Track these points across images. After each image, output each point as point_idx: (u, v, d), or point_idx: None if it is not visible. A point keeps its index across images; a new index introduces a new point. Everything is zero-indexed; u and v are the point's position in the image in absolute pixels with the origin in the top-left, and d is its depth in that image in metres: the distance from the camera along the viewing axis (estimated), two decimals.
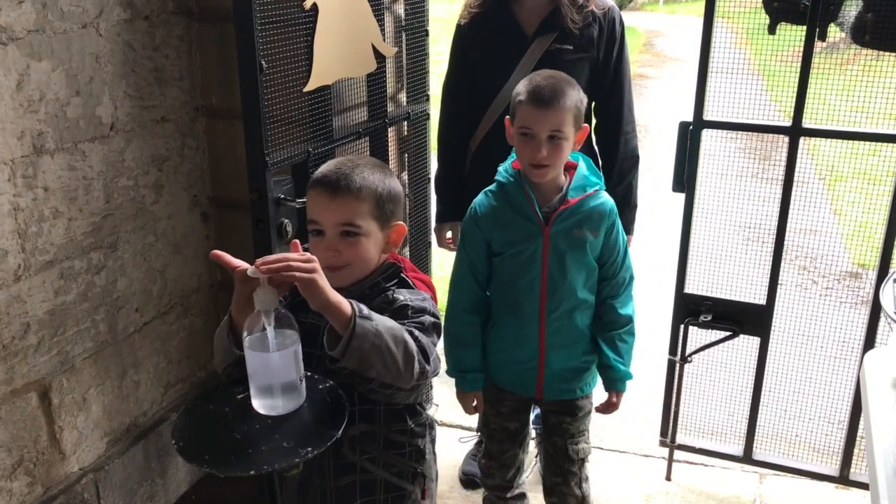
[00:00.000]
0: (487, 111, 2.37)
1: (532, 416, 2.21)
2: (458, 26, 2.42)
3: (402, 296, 1.53)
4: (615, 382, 2.05)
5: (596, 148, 2.44)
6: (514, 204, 1.93)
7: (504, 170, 1.97)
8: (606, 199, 1.97)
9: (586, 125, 1.93)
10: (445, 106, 2.53)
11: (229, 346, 1.50)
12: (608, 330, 2.03)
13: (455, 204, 2.52)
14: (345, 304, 1.34)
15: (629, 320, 2.04)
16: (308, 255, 1.36)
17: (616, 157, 2.40)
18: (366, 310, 1.37)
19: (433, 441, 1.76)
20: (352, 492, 1.62)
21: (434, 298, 1.61)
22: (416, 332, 1.46)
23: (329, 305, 1.33)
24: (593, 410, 2.14)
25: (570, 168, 1.97)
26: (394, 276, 1.58)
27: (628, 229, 2.46)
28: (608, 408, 2.08)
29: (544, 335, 1.99)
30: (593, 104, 2.40)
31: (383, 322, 1.39)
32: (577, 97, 1.87)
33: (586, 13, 2.28)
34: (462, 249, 2.03)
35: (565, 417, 2.10)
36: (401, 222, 1.59)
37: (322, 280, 1.33)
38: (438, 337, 1.57)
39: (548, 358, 2.01)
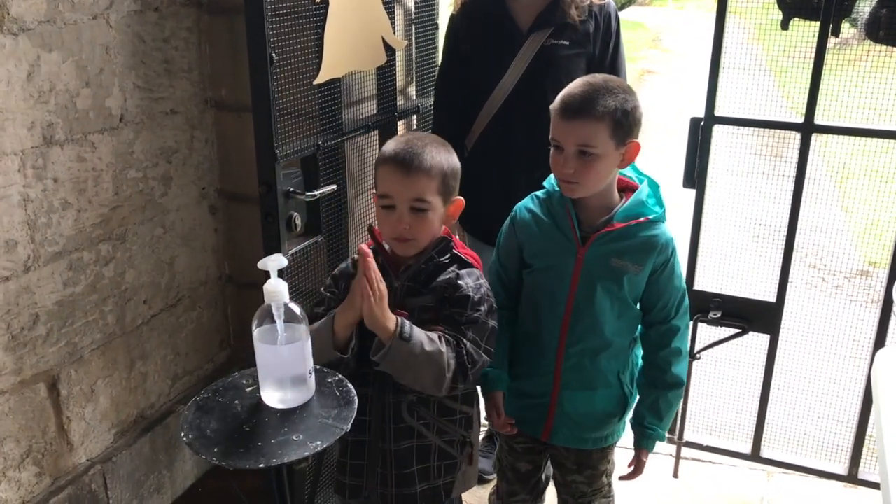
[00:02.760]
0: (483, 108, 2.34)
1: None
2: (451, 17, 2.40)
3: (465, 282, 1.62)
4: (645, 441, 1.87)
5: None
6: (556, 215, 1.78)
7: (553, 177, 1.81)
8: (663, 232, 1.75)
9: (636, 141, 1.69)
10: (439, 101, 2.51)
11: (331, 352, 1.61)
12: (652, 386, 1.84)
13: None
14: (391, 323, 1.52)
15: (678, 383, 1.83)
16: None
17: None
18: (408, 331, 1.53)
19: (479, 413, 1.86)
20: (409, 457, 1.71)
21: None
22: (466, 342, 1.59)
23: (379, 326, 1.52)
24: (614, 467, 1.99)
25: (631, 190, 1.78)
26: (445, 249, 1.67)
27: None
28: (635, 471, 1.90)
29: (560, 370, 1.82)
30: None
31: (420, 344, 1.53)
32: (617, 106, 1.64)
33: (584, 7, 2.25)
34: (496, 252, 1.92)
35: (576, 476, 1.94)
36: (460, 197, 1.70)
37: (384, 303, 1.53)
38: (495, 319, 1.66)
39: (561, 397, 1.84)
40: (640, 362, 1.91)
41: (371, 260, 1.52)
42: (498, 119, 2.33)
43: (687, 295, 1.84)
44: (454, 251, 1.67)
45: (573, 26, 2.24)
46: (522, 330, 1.89)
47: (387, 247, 1.69)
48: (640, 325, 1.86)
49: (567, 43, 2.26)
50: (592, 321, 1.77)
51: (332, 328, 1.59)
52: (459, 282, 1.62)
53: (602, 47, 2.30)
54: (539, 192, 1.85)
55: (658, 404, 1.84)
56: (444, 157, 1.64)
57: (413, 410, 1.68)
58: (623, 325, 1.80)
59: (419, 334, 1.54)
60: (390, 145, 1.65)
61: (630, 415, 1.91)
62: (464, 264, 1.67)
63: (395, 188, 1.61)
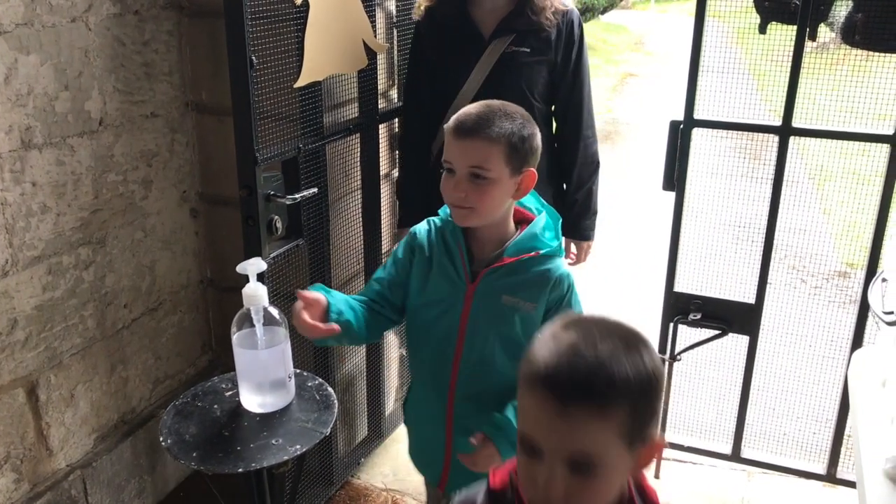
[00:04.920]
0: (447, 114, 2.30)
1: None
2: (417, 24, 2.40)
3: None
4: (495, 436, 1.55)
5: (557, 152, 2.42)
6: (449, 246, 1.63)
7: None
8: (557, 266, 1.61)
9: (532, 169, 1.58)
10: (406, 108, 2.51)
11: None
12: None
13: (417, 209, 2.45)
14: None
15: None
16: None
17: (576, 163, 2.37)
18: None
19: None
20: None
21: None
22: None
23: None
24: None
25: (527, 222, 1.65)
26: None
27: (588, 235, 2.45)
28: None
29: (452, 417, 1.65)
30: (552, 108, 2.38)
31: None
32: (514, 130, 1.53)
33: (554, 12, 2.23)
34: (392, 260, 1.73)
35: None
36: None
37: None
38: None
39: (455, 445, 1.65)
40: None
41: None
42: None
43: None
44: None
45: (536, 33, 2.23)
46: (415, 365, 1.75)
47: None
48: None
49: (528, 50, 2.24)
50: (483, 366, 1.62)
51: None
52: None
53: (564, 55, 2.29)
54: (436, 218, 1.71)
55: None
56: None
57: None
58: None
59: None
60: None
61: None
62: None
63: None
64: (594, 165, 2.40)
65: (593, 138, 2.39)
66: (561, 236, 1.66)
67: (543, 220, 1.64)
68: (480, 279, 1.59)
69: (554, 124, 2.42)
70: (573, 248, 2.48)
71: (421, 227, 1.70)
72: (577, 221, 2.41)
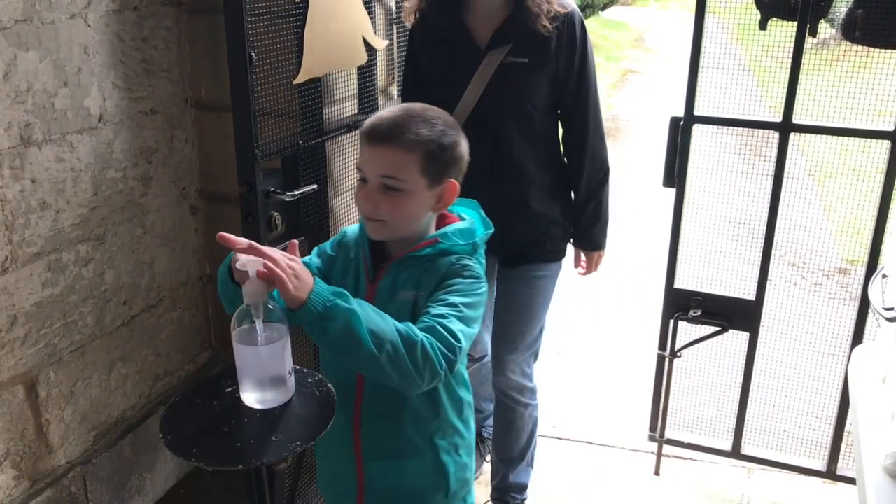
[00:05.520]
0: None
1: None
2: (411, 30, 2.28)
3: None
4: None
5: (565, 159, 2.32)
6: (361, 248, 1.53)
7: None
8: (460, 259, 1.45)
9: (453, 181, 1.45)
10: None
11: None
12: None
13: None
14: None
15: (407, 338, 1.30)
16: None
17: (583, 171, 2.24)
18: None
19: None
20: None
21: None
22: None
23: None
24: None
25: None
26: None
27: (599, 244, 2.33)
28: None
29: (359, 437, 1.52)
30: (559, 112, 2.25)
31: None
32: (432, 138, 1.41)
33: (553, 17, 2.07)
34: (318, 249, 1.62)
35: None
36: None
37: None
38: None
39: (367, 471, 1.54)
40: (468, 424, 1.60)
41: None
42: None
43: (454, 349, 1.33)
44: None
45: (534, 41, 2.08)
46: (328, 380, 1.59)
47: None
48: (461, 373, 1.57)
49: (527, 60, 2.09)
50: None
51: None
52: None
53: (566, 61, 2.13)
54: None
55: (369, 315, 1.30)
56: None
57: None
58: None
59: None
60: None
61: (459, 489, 1.59)
62: None
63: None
64: (603, 173, 2.27)
65: (602, 145, 2.27)
66: (477, 243, 1.50)
67: (465, 225, 1.50)
68: (380, 279, 1.48)
69: (559, 134, 2.30)
70: (583, 257, 2.37)
71: (353, 228, 1.59)
72: (587, 230, 2.30)
